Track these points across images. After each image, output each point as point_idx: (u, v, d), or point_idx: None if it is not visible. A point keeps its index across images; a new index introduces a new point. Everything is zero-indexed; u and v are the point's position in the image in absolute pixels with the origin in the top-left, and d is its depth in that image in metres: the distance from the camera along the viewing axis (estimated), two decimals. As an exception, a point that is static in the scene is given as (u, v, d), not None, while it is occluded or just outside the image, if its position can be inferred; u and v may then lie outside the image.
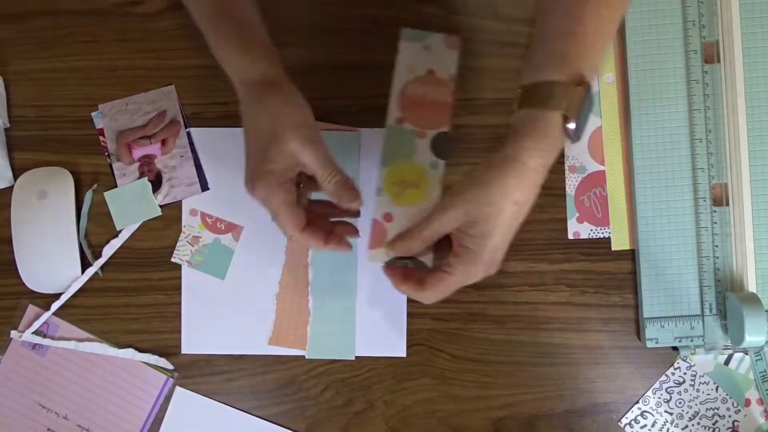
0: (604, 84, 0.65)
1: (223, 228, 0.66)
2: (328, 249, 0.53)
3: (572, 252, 0.65)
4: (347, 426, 0.65)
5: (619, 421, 0.64)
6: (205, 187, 0.66)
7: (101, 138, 0.66)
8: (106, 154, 0.66)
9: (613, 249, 0.65)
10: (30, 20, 0.67)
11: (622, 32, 0.65)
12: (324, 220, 0.54)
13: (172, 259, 0.66)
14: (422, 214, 0.51)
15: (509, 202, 0.47)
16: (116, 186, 0.66)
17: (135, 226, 0.66)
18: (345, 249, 0.53)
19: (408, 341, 0.65)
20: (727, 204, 0.63)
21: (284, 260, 0.65)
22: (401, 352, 0.64)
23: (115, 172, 0.66)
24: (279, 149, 0.49)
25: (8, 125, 0.67)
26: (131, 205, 0.66)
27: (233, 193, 0.66)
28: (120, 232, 0.66)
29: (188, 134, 0.66)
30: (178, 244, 0.66)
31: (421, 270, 0.53)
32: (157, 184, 0.66)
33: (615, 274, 0.65)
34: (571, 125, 0.47)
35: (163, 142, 0.66)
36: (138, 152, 0.66)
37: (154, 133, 0.66)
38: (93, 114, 0.67)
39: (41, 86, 0.67)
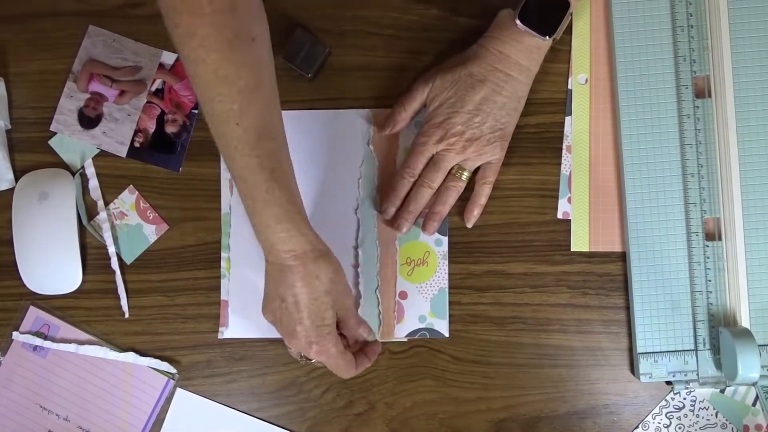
0: (578, 132, 0.65)
1: (151, 218, 0.66)
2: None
3: (573, 254, 0.65)
4: (348, 428, 0.65)
5: (621, 425, 0.64)
6: (131, 155, 0.66)
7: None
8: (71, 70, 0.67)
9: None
10: (31, 22, 0.68)
11: (612, 66, 0.65)
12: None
13: (91, 222, 0.66)
14: (429, 289, 0.64)
15: (465, 72, 0.60)
16: (59, 98, 0.67)
17: (90, 165, 0.66)
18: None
19: (409, 342, 0.65)
20: (720, 238, 0.63)
21: (378, 251, 0.65)
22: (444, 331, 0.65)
23: (65, 90, 0.67)
24: (334, 313, 0.55)
25: (9, 127, 0.67)
26: (75, 146, 0.67)
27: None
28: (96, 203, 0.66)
29: (148, 103, 0.66)
30: (103, 213, 0.66)
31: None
32: (91, 123, 0.66)
33: (616, 275, 0.65)
34: (518, 22, 0.58)
35: (121, 93, 0.66)
36: (95, 86, 0.66)
37: (118, 80, 0.66)
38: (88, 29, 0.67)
39: (42, 88, 0.67)
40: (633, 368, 0.64)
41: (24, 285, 0.65)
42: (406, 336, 0.64)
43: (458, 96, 0.60)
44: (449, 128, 0.60)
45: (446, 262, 0.64)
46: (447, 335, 0.63)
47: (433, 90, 0.62)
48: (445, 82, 0.61)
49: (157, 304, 0.66)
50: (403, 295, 0.64)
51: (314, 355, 0.56)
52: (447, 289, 0.64)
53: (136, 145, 0.67)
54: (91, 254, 0.67)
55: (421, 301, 0.64)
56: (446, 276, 0.64)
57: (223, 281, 0.66)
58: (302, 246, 0.53)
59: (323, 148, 0.66)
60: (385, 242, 0.65)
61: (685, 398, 0.64)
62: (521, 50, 0.59)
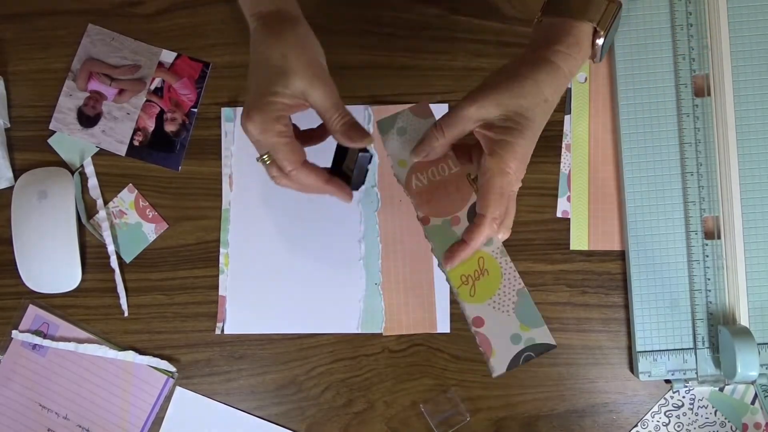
0: (578, 134, 0.65)
1: (150, 217, 0.66)
2: (328, 190, 0.52)
3: (572, 252, 0.65)
4: (347, 426, 0.65)
5: (620, 423, 0.64)
6: (130, 154, 0.66)
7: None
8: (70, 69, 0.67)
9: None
10: (30, 20, 0.68)
11: (611, 65, 0.65)
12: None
13: (90, 221, 0.66)
14: (504, 299, 0.49)
15: (541, 98, 0.47)
16: (58, 97, 0.67)
17: (90, 164, 0.66)
18: (346, 197, 0.53)
19: (408, 341, 0.65)
20: (719, 237, 0.63)
21: (380, 246, 0.66)
22: (445, 327, 0.65)
23: (64, 88, 0.67)
24: (286, 83, 0.48)
25: (9, 125, 0.67)
26: (74, 145, 0.67)
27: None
28: (96, 200, 0.66)
29: (147, 101, 0.67)
30: (102, 211, 0.66)
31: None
32: (90, 122, 0.67)
33: (615, 274, 0.65)
34: (600, 40, 0.49)
35: (121, 92, 0.67)
36: (94, 85, 0.66)
37: (117, 79, 0.66)
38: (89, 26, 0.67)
39: (42, 86, 0.67)
40: (632, 367, 0.64)
41: (23, 283, 0.65)
42: (508, 369, 0.48)
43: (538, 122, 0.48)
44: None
45: (508, 259, 0.50)
46: (554, 343, 0.48)
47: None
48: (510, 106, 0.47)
49: (157, 302, 0.66)
50: (479, 323, 0.49)
51: (249, 133, 0.48)
52: (525, 289, 0.49)
53: (136, 143, 0.67)
54: (91, 253, 0.67)
55: (504, 320, 0.49)
56: (515, 274, 0.50)
57: (221, 277, 0.66)
58: (265, 7, 0.50)
59: (324, 143, 0.66)
60: (385, 238, 0.65)
61: (684, 397, 0.64)
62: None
